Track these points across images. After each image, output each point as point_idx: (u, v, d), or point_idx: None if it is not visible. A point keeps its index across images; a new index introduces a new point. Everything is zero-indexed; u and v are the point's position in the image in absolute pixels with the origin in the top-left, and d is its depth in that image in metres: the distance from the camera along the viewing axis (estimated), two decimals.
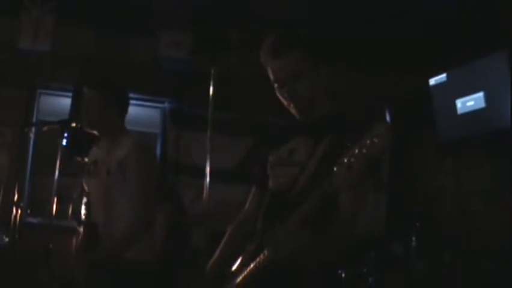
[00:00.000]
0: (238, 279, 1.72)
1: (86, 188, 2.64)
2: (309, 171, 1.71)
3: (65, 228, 3.40)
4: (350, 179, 1.45)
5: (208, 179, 3.81)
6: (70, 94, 4.60)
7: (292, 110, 1.81)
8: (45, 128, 3.56)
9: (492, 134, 3.98)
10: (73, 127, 3.39)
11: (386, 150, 1.42)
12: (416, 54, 4.47)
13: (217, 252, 1.95)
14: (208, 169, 3.82)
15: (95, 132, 2.66)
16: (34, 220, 4.50)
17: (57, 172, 3.45)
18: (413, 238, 3.66)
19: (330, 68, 1.82)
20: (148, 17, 4.42)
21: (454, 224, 4.29)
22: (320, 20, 4.19)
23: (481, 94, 4.01)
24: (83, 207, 2.69)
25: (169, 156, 4.91)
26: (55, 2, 4.24)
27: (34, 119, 4.68)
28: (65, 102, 4.66)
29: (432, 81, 4.45)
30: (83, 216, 2.70)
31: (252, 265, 1.68)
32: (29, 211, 4.53)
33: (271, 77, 1.80)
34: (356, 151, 1.42)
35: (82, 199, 2.71)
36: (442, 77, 4.38)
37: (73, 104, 4.49)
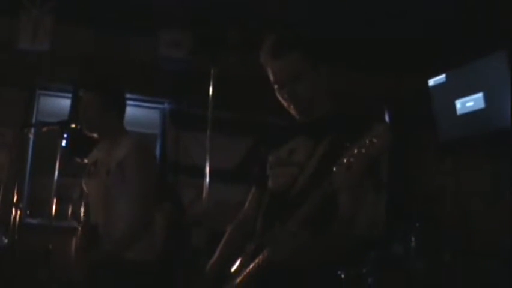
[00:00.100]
0: (238, 280, 1.72)
1: (85, 188, 2.64)
2: (308, 171, 1.71)
3: (65, 229, 3.41)
4: (349, 179, 1.45)
5: (207, 179, 3.82)
6: (70, 95, 4.60)
7: (293, 111, 1.81)
8: (44, 129, 3.56)
9: (492, 134, 3.99)
10: (73, 128, 3.39)
11: (385, 150, 1.42)
12: (416, 55, 4.47)
13: (217, 253, 1.95)
14: (207, 169, 3.83)
15: (94, 135, 2.66)
16: (34, 221, 4.49)
17: (56, 173, 3.45)
18: (413, 238, 3.66)
19: (330, 68, 1.82)
20: (148, 17, 4.41)
21: (453, 224, 4.29)
22: (320, 20, 4.19)
23: (480, 95, 4.01)
24: (82, 208, 2.70)
25: (169, 156, 4.90)
26: (54, 1, 4.23)
27: (34, 120, 4.68)
28: (64, 103, 4.66)
29: (431, 81, 4.45)
30: (82, 217, 2.71)
31: (251, 265, 1.68)
32: (28, 212, 4.52)
33: (271, 77, 1.80)
34: (355, 151, 1.42)
35: (81, 200, 2.71)
36: (441, 77, 4.39)
37: (72, 105, 4.49)
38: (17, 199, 4.08)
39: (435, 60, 4.43)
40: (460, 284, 3.69)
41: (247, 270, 1.69)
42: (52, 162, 3.48)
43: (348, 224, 1.64)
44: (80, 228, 2.68)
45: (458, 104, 4.22)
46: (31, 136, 4.51)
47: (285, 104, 1.80)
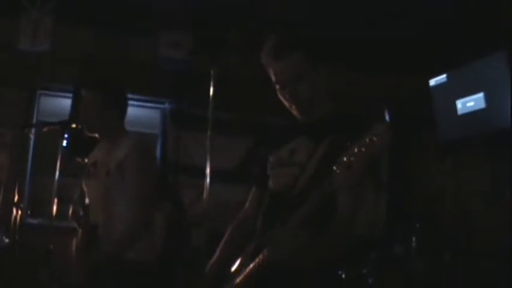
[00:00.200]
0: (238, 280, 1.72)
1: (85, 189, 2.64)
2: (309, 171, 1.71)
3: (66, 229, 3.39)
4: (349, 179, 1.45)
5: (208, 180, 3.82)
6: (70, 95, 4.60)
7: (294, 111, 1.81)
8: (45, 129, 3.56)
9: (492, 134, 3.99)
10: (73, 128, 3.38)
11: (386, 149, 1.42)
12: (416, 55, 4.47)
13: (217, 252, 1.95)
14: (208, 169, 3.82)
15: (95, 135, 2.66)
16: (34, 221, 4.50)
17: (57, 173, 3.45)
18: (413, 238, 3.66)
19: (330, 68, 1.82)
20: (148, 17, 4.41)
21: (454, 224, 4.29)
22: (320, 20, 4.19)
23: (481, 95, 4.01)
24: (82, 208, 2.69)
25: (169, 156, 4.91)
26: (54, 2, 4.23)
27: (34, 120, 4.68)
28: (65, 103, 4.66)
29: (432, 81, 4.46)
30: (83, 217, 2.71)
31: (251, 265, 1.68)
32: (29, 212, 4.53)
33: (273, 78, 1.80)
34: (356, 150, 1.42)
35: (81, 200, 2.71)
36: (442, 77, 4.39)
37: (73, 105, 4.49)
38: (17, 199, 4.08)
39: (435, 61, 4.44)
40: (460, 284, 3.69)
41: (247, 270, 1.69)
42: (53, 162, 3.48)
43: (348, 223, 1.64)
44: (80, 229, 2.68)
45: (459, 104, 4.22)
46: (32, 136, 4.52)
47: (286, 104, 1.81)
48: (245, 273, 1.70)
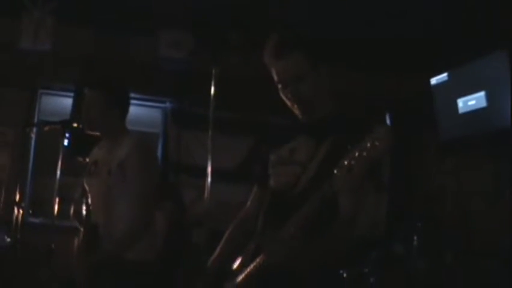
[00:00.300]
0: (239, 279, 1.73)
1: (86, 188, 2.64)
2: (309, 173, 1.72)
3: (67, 229, 3.41)
4: (350, 182, 1.45)
5: (209, 179, 3.82)
6: (71, 94, 4.61)
7: (296, 111, 1.81)
8: (46, 128, 3.57)
9: (493, 133, 3.98)
10: (74, 127, 3.40)
11: (387, 153, 1.42)
12: (416, 54, 4.47)
13: (218, 250, 1.95)
14: (209, 169, 3.83)
15: (96, 133, 2.67)
16: (36, 220, 4.51)
17: (58, 172, 3.46)
18: (414, 238, 3.67)
19: (330, 68, 1.82)
20: (148, 17, 4.42)
21: (454, 224, 4.29)
22: (320, 20, 4.19)
23: (482, 93, 4.01)
24: (83, 208, 2.70)
25: (170, 156, 4.91)
26: (56, 2, 4.24)
27: (35, 119, 4.69)
28: (66, 102, 4.67)
29: (433, 80, 4.45)
30: (84, 217, 2.71)
31: (251, 265, 1.68)
32: (30, 211, 4.54)
33: (275, 77, 1.81)
34: (357, 154, 1.42)
35: (83, 199, 2.72)
36: (444, 76, 4.38)
37: (74, 104, 4.50)
38: (19, 198, 4.08)
39: (436, 60, 4.44)
40: (460, 284, 3.69)
41: (248, 269, 1.70)
42: (54, 162, 3.49)
43: (348, 225, 1.64)
44: (82, 229, 2.69)
45: (460, 102, 4.22)
46: (33, 135, 4.53)
47: (288, 103, 1.81)
48: (246, 273, 1.70)
